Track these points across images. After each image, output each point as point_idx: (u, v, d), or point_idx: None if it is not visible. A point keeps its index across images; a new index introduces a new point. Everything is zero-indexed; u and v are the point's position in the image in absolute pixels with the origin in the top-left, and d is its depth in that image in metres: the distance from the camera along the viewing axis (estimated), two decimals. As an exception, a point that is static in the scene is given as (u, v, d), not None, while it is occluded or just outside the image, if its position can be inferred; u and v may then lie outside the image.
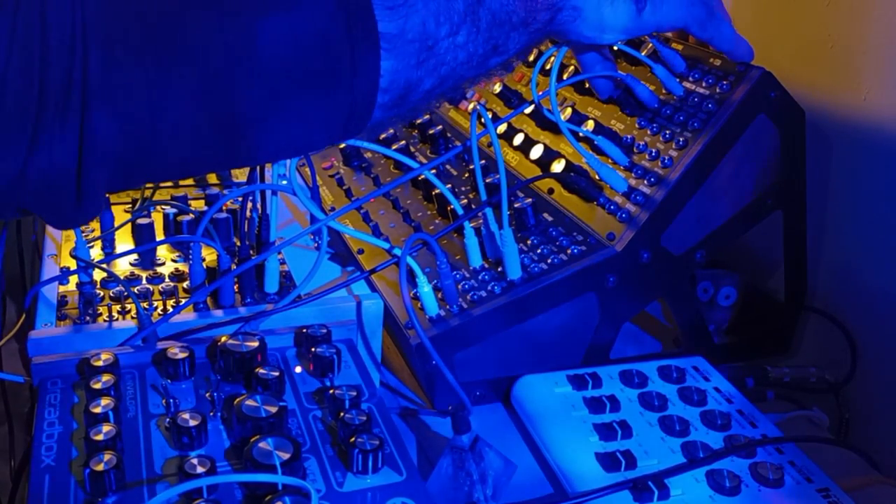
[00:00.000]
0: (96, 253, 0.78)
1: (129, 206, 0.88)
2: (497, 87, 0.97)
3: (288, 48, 0.46)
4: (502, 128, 0.89)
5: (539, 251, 0.72)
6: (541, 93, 0.75)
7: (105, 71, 0.41)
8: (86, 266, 0.70)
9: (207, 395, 0.57)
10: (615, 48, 0.79)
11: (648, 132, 0.74)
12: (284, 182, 0.70)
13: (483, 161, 0.81)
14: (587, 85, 0.81)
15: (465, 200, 0.83)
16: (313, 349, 0.60)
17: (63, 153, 0.41)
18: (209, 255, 0.74)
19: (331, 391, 0.57)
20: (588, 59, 0.73)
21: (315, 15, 0.46)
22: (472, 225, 0.73)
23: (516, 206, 0.76)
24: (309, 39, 0.46)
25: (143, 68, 0.42)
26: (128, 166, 0.45)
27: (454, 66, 0.52)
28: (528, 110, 0.86)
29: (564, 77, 0.85)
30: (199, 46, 0.44)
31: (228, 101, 0.45)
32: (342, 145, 0.98)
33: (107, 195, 0.84)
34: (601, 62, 0.73)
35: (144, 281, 0.73)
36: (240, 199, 0.79)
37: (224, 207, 0.83)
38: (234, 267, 0.69)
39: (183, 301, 0.69)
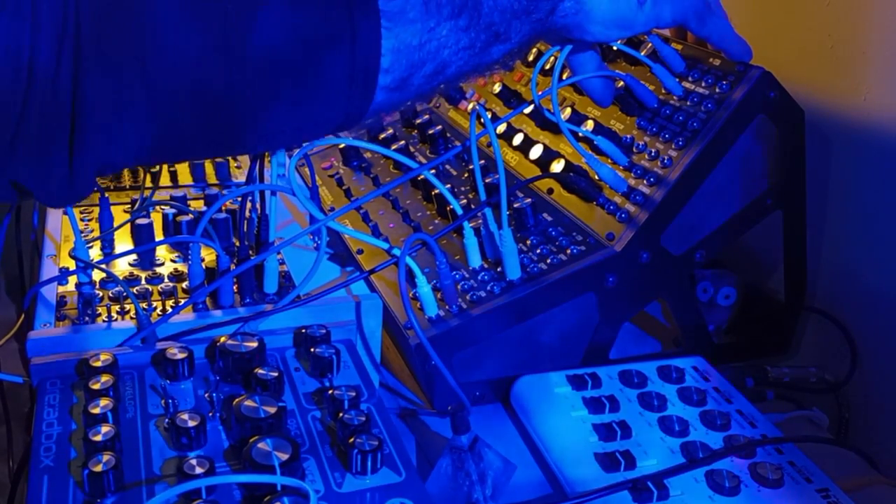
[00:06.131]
0: (95, 253, 0.78)
1: (129, 206, 0.88)
2: (497, 87, 0.97)
3: (288, 26, 0.45)
4: (502, 128, 0.89)
5: (538, 251, 0.72)
6: (540, 92, 0.75)
7: (98, 42, 0.41)
8: (85, 266, 0.70)
9: (206, 395, 0.57)
10: (615, 48, 0.79)
11: (648, 132, 0.74)
12: (283, 182, 0.70)
13: (482, 161, 0.81)
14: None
15: (465, 200, 0.83)
16: (312, 349, 0.60)
17: (54, 120, 0.41)
18: (208, 255, 0.74)
19: (330, 392, 0.57)
20: (583, 63, 0.72)
21: None
22: (471, 225, 0.73)
23: (516, 206, 0.76)
24: (309, 17, 0.46)
25: (139, 37, 0.42)
26: (120, 138, 0.44)
27: (456, 51, 0.52)
28: (528, 110, 0.86)
29: (564, 77, 0.85)
30: (195, 16, 0.43)
31: (227, 79, 0.45)
32: (341, 145, 0.98)
33: (106, 195, 0.84)
34: (596, 69, 0.73)
35: (143, 281, 0.73)
36: (239, 199, 0.79)
37: (223, 208, 0.82)
38: (233, 267, 0.69)
39: (182, 301, 0.69)
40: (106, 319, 0.67)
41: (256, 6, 0.45)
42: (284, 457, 0.48)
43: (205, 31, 0.44)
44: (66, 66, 0.40)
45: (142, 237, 0.78)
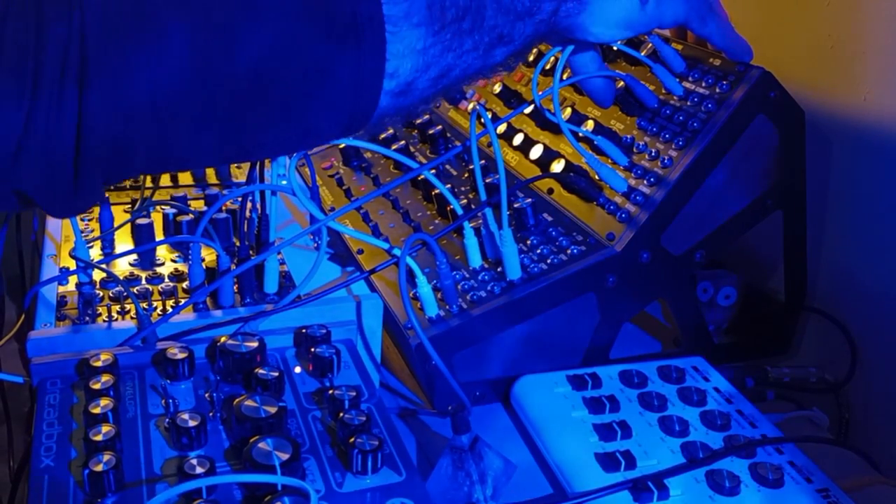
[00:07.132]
0: (96, 253, 0.78)
1: (129, 206, 0.88)
2: (497, 87, 0.97)
3: (291, 29, 0.45)
4: (502, 128, 0.89)
5: (539, 251, 0.72)
6: (541, 93, 0.75)
7: (103, 43, 0.41)
8: (85, 266, 0.70)
9: (207, 395, 0.57)
10: (615, 48, 0.79)
11: (648, 132, 0.74)
12: (284, 182, 0.70)
13: (483, 161, 0.81)
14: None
15: (465, 200, 0.83)
16: (313, 349, 0.60)
17: (59, 130, 0.41)
18: (208, 255, 0.74)
19: (330, 391, 0.57)
20: (584, 63, 0.72)
21: None
22: (471, 225, 0.73)
23: (516, 206, 0.76)
24: (314, 23, 0.46)
25: (142, 39, 0.42)
26: (126, 149, 0.44)
27: (460, 54, 0.52)
28: (528, 110, 0.86)
29: (564, 77, 0.85)
30: (200, 23, 0.43)
31: (227, 83, 0.45)
32: (342, 145, 0.98)
33: (106, 195, 0.84)
34: (597, 69, 0.72)
35: (144, 281, 0.73)
36: (239, 199, 0.79)
37: (223, 207, 0.83)
38: (233, 267, 0.69)
39: (182, 301, 0.69)
40: (106, 319, 0.67)
41: (259, 13, 0.45)
42: (285, 457, 0.48)
43: (206, 28, 0.44)
44: (71, 77, 0.40)
45: (142, 237, 0.78)
